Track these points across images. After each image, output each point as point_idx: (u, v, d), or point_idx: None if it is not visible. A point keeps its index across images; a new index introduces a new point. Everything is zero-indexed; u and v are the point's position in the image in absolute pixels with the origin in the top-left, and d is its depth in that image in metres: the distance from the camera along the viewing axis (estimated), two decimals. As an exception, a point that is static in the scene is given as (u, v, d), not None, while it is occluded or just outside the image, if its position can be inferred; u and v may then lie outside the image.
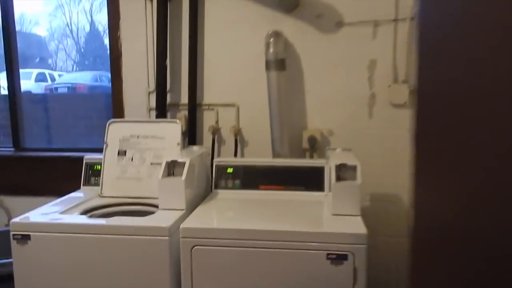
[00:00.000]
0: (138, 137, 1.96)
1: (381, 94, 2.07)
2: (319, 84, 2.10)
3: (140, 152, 1.94)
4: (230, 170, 1.90)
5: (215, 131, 2.15)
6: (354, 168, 1.61)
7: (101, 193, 1.92)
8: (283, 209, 1.69)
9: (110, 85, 2.28)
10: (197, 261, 1.44)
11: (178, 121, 1.95)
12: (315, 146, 2.08)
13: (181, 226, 1.45)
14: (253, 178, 1.88)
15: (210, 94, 2.17)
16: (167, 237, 1.46)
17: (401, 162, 2.07)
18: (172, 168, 1.72)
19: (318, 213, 1.64)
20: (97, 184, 1.96)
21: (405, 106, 2.05)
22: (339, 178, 1.59)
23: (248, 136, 2.17)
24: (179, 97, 2.19)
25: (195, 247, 1.44)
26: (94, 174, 2.01)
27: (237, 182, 1.88)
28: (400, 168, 2.07)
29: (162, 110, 2.11)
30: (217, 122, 2.17)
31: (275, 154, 2.03)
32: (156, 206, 1.78)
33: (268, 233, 1.43)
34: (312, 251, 1.41)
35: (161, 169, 1.66)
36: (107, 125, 1.98)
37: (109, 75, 2.28)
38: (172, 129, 1.94)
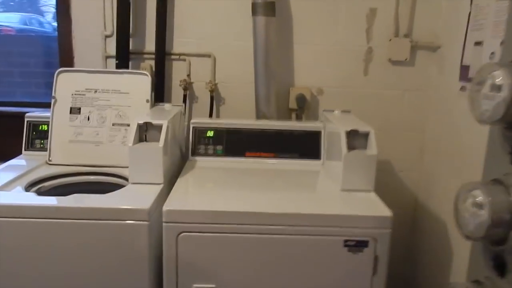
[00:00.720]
0: (95, 91, 1.59)
1: (379, 49, 1.82)
2: (311, 34, 1.81)
3: (98, 110, 1.58)
4: (210, 133, 1.60)
5: (187, 86, 1.81)
6: (365, 135, 1.37)
7: (49, 160, 1.55)
8: (279, 181, 1.43)
9: (42, 30, 1.85)
10: (184, 250, 1.16)
11: (147, 73, 1.60)
12: (304, 107, 1.81)
13: (164, 208, 1.15)
14: (238, 143, 1.59)
15: (181, 41, 1.82)
16: (146, 222, 1.15)
17: (397, 127, 1.86)
18: (143, 132, 1.39)
19: (324, 187, 1.40)
20: (43, 149, 1.59)
21: (405, 63, 1.82)
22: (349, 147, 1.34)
23: (226, 93, 1.85)
24: (143, 44, 1.82)
25: (182, 234, 1.15)
26: (39, 136, 1.63)
27: (219, 147, 1.59)
28: (396, 134, 1.86)
29: (124, 59, 1.73)
30: (189, 75, 1.83)
31: (260, 115, 1.75)
32: (121, 177, 1.46)
33: (273, 216, 1.16)
34: (326, 237, 1.17)
35: (132, 133, 1.33)
36: (55, 75, 1.59)
37: (40, 18, 1.85)
38: (139, 83, 1.59)
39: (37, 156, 1.58)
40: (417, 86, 1.83)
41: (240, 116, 1.79)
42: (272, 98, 1.74)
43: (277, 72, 1.76)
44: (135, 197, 1.22)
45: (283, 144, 1.59)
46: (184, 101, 1.83)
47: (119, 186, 1.46)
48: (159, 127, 1.37)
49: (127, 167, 1.36)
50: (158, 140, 1.36)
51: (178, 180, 1.38)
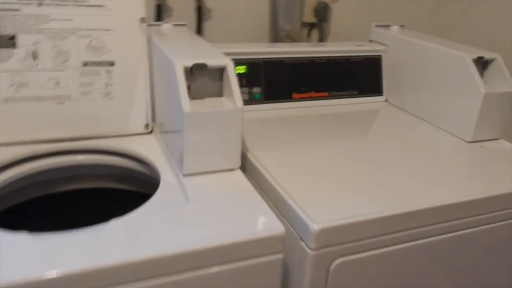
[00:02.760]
0: (40, 3, 0.87)
1: None
2: None
3: (53, 39, 0.87)
4: (241, 69, 1.04)
5: (163, -9, 1.16)
6: (489, 62, 1.00)
7: (-30, 138, 0.83)
8: (373, 137, 0.99)
9: None
10: (337, 282, 0.69)
11: (141, -31, 0.92)
12: (324, 20, 1.33)
13: (313, 226, 0.64)
14: (281, 81, 1.08)
15: None
16: (279, 255, 0.64)
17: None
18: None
19: (442, 141, 1.00)
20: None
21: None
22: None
23: (214, 4, 1.25)
24: None
25: (338, 261, 0.67)
26: None
27: (257, 90, 1.05)
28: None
29: None
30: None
31: (279, 35, 1.22)
32: (119, 155, 0.87)
33: (440, 210, 0.75)
34: (497, 224, 0.82)
35: (180, 85, 0.72)
36: (-48, -28, 0.81)
37: None
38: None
39: None
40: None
41: (235, 36, 1.24)
42: (297, 8, 1.22)
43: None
44: (232, 210, 0.67)
45: (338, 78, 1.13)
46: (159, 16, 1.18)
47: (136, 182, 0.87)
48: (216, 72, 0.78)
49: (122, 135, 0.87)
50: (208, 93, 0.78)
51: (251, 159, 0.84)
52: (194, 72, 0.76)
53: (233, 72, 0.76)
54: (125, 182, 0.95)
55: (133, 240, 0.58)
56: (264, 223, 0.63)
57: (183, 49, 0.81)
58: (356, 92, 1.14)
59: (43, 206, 0.91)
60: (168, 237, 0.59)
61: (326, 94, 1.11)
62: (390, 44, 1.15)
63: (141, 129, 0.93)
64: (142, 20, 0.92)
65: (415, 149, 0.92)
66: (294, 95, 1.08)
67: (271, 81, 1.05)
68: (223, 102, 0.76)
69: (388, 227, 0.68)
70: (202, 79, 0.78)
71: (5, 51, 0.84)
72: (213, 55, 0.79)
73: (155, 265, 0.56)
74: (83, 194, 0.95)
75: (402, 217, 0.69)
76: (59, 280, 0.51)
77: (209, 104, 0.75)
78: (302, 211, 0.66)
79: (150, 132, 0.93)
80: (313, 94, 1.10)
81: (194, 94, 0.76)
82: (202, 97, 0.77)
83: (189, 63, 0.74)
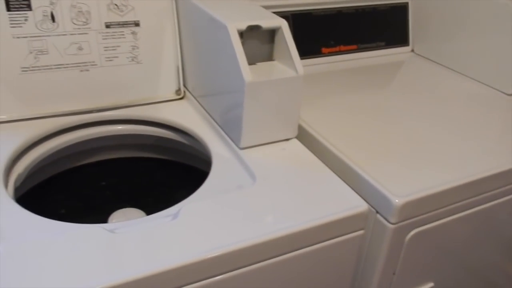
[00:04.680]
0: (53, -44, 0.76)
1: None
2: None
3: (71, -3, 0.77)
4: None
5: None
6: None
7: (-11, 115, 0.75)
8: (423, 94, 0.96)
9: None
10: (410, 252, 0.68)
11: None
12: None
13: (395, 200, 0.62)
14: (310, 35, 1.01)
15: None
16: (361, 232, 0.62)
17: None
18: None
19: (482, 95, 0.97)
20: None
21: None
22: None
23: None
24: None
25: (413, 232, 0.66)
26: None
27: (286, 46, 0.98)
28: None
29: None
30: None
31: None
32: (149, 123, 0.81)
33: (504, 175, 0.74)
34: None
35: (237, 52, 0.66)
36: None
37: None
38: None
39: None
40: None
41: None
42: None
43: None
44: (306, 187, 0.64)
45: (365, 29, 1.07)
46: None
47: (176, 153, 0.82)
48: (267, 33, 0.72)
49: (152, 102, 0.81)
50: (258, 57, 0.72)
51: (304, 126, 0.79)
52: (244, 34, 0.69)
53: (289, 34, 0.69)
54: (154, 151, 0.90)
55: (218, 229, 0.53)
56: (345, 201, 0.60)
57: (229, 9, 0.73)
58: (383, 43, 1.09)
59: (71, 180, 0.85)
60: (253, 223, 0.55)
61: (355, 47, 1.06)
62: (417, -9, 1.09)
63: (172, 94, 0.87)
64: (169, -29, 0.82)
65: (456, 104, 0.89)
66: (324, 50, 1.02)
67: (300, 35, 0.98)
68: (281, 68, 0.70)
69: (461, 195, 0.67)
70: (253, 42, 0.71)
71: (20, 14, 0.74)
72: (265, 16, 0.71)
73: (239, 256, 0.53)
74: (108, 164, 0.90)
75: (473, 184, 0.67)
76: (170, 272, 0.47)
77: (265, 70, 0.69)
78: (379, 184, 0.63)
79: (182, 98, 0.87)
80: (342, 47, 1.04)
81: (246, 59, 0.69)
82: (253, 62, 0.71)
83: (243, 26, 0.67)
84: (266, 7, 0.82)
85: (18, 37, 0.74)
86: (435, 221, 0.66)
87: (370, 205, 0.63)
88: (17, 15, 0.74)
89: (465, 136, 0.78)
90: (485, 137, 0.78)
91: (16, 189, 0.67)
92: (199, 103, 0.82)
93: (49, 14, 0.76)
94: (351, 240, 0.60)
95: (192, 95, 0.85)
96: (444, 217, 0.67)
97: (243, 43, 0.67)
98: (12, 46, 0.74)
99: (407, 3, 1.10)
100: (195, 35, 0.79)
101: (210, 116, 0.78)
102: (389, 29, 1.09)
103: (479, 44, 0.97)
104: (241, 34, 0.68)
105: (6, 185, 0.62)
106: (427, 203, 0.63)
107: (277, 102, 0.68)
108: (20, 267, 0.46)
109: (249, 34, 0.69)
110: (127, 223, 0.55)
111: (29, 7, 0.74)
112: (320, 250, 0.58)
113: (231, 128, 0.71)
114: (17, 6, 0.73)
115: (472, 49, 0.99)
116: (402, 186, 0.63)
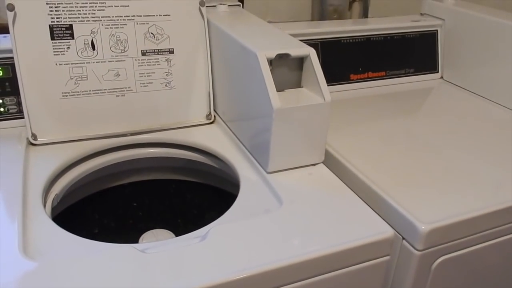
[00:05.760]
0: (95, -10, 0.81)
1: None
2: None
3: (109, 27, 0.82)
4: (299, 51, 0.99)
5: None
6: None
7: (32, 137, 0.79)
8: (457, 121, 0.96)
9: None
10: (437, 279, 0.67)
11: None
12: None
13: (422, 227, 0.62)
14: (337, 62, 1.03)
15: None
16: (387, 258, 0.62)
17: None
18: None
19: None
20: (9, 116, 0.80)
21: None
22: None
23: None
24: None
25: (441, 259, 0.65)
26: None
27: (315, 72, 1.00)
28: None
29: None
30: None
31: (325, 11, 1.16)
32: (184, 147, 0.83)
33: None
34: None
35: (266, 79, 0.68)
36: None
37: None
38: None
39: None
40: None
41: (278, 14, 1.18)
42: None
43: None
44: (332, 212, 0.64)
45: (393, 56, 1.08)
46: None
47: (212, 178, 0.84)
48: (296, 61, 0.74)
49: (183, 127, 0.84)
50: (287, 84, 0.74)
51: (330, 150, 0.80)
52: (273, 62, 0.72)
53: (317, 61, 0.71)
54: (185, 173, 0.92)
55: (245, 251, 0.55)
56: (371, 226, 0.61)
57: (259, 37, 0.75)
58: (412, 70, 1.10)
59: (105, 201, 0.88)
60: (279, 246, 0.56)
61: (383, 73, 1.07)
62: (447, 18, 1.10)
63: (203, 119, 0.89)
64: (202, 3, 0.86)
65: (487, 131, 0.89)
66: (352, 76, 1.04)
67: (329, 62, 1.00)
68: (308, 95, 0.71)
69: (490, 223, 0.66)
70: (281, 70, 0.73)
71: (63, 43, 0.78)
72: (294, 44, 0.74)
73: (265, 278, 0.54)
74: (139, 186, 0.93)
75: (503, 212, 0.67)
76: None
77: (293, 97, 0.71)
78: (405, 210, 0.63)
79: (212, 122, 0.89)
80: (370, 74, 1.05)
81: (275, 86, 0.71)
82: (282, 89, 0.73)
83: (272, 54, 0.69)
84: (296, 35, 0.85)
85: (60, 64, 0.79)
86: (463, 248, 0.65)
87: (397, 231, 0.64)
88: (61, 43, 0.78)
89: (496, 163, 0.77)
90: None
91: (53, 208, 0.71)
92: (228, 127, 0.85)
93: (89, 42, 0.80)
94: (376, 266, 0.60)
95: (222, 120, 0.87)
96: (473, 245, 0.66)
97: (272, 70, 0.69)
98: (55, 72, 0.78)
99: (436, 30, 1.11)
100: (226, 62, 0.82)
101: (239, 140, 0.80)
102: (418, 56, 1.10)
103: (509, 71, 0.97)
104: (270, 61, 0.70)
105: (44, 204, 0.66)
106: (455, 230, 0.63)
107: (305, 128, 0.69)
108: (55, 282, 0.49)
109: (278, 62, 0.72)
110: (157, 243, 0.57)
111: (71, 36, 0.79)
112: (345, 275, 0.59)
113: (259, 152, 0.72)
114: (60, 35, 0.78)
115: (502, 76, 0.99)
116: (429, 213, 0.63)
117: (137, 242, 0.71)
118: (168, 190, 0.92)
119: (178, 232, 0.61)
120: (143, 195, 0.91)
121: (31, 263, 0.52)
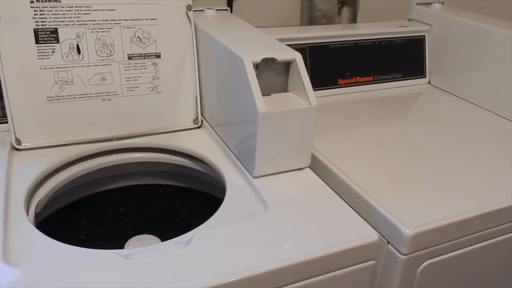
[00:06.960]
0: (81, -7, 0.80)
1: None
2: None
3: (95, 31, 0.81)
4: (287, 55, 0.99)
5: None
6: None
7: (16, 141, 0.78)
8: (449, 126, 0.96)
9: None
10: (422, 284, 0.67)
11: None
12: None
13: (406, 231, 0.62)
14: (326, 66, 1.03)
15: None
16: (372, 262, 0.62)
17: None
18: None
19: (499, 127, 0.98)
20: (-9, 121, 0.80)
21: None
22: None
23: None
24: None
25: (425, 263, 0.65)
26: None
27: (303, 77, 1.00)
28: None
29: None
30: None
31: (314, 16, 1.17)
32: (170, 152, 0.83)
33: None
34: None
35: (252, 83, 0.68)
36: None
37: None
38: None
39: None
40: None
41: (267, 18, 1.19)
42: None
43: None
44: (317, 216, 0.64)
45: (381, 61, 1.09)
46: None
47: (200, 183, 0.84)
48: (282, 65, 0.74)
49: (170, 131, 0.84)
50: (273, 88, 0.74)
51: (316, 155, 0.80)
52: (260, 66, 0.71)
53: (303, 66, 0.71)
54: (172, 178, 0.92)
55: (230, 256, 0.54)
56: (356, 230, 0.60)
57: (245, 42, 0.75)
58: (400, 75, 1.10)
59: (91, 206, 0.88)
60: (264, 251, 0.56)
61: (371, 78, 1.07)
62: (434, 24, 1.10)
63: (190, 123, 0.89)
64: (189, 7, 0.86)
65: (473, 136, 0.89)
66: (340, 81, 1.04)
67: (317, 67, 1.00)
68: (294, 99, 0.71)
69: (475, 227, 0.66)
70: (268, 74, 0.73)
71: (48, 46, 0.78)
72: (280, 48, 0.74)
73: (250, 283, 0.53)
74: (127, 191, 0.92)
75: (487, 216, 0.67)
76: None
77: (279, 101, 0.71)
78: (389, 214, 0.63)
79: (199, 127, 0.89)
80: (358, 79, 1.06)
81: (261, 90, 0.71)
82: (268, 93, 0.73)
83: (258, 58, 0.69)
84: (285, 40, 0.85)
85: (45, 68, 0.78)
86: (449, 252, 0.66)
87: (382, 235, 0.64)
88: (45, 47, 0.78)
89: (481, 167, 0.78)
90: (502, 168, 0.78)
91: (37, 214, 0.70)
92: (215, 132, 0.84)
93: (75, 46, 0.80)
94: (362, 270, 0.60)
95: (209, 124, 0.87)
96: (458, 249, 0.66)
97: (258, 75, 0.69)
98: (39, 76, 0.78)
99: (424, 36, 1.12)
100: (213, 66, 0.81)
101: (226, 145, 0.80)
102: (406, 61, 1.11)
103: (496, 77, 0.97)
104: (256, 66, 0.70)
105: (27, 211, 0.65)
106: (440, 234, 0.63)
107: (291, 133, 0.69)
108: (37, 289, 0.48)
109: (264, 66, 0.71)
110: (142, 249, 0.57)
111: (56, 39, 0.78)
112: (330, 279, 0.59)
113: (245, 157, 0.72)
114: (45, 39, 0.78)
115: (489, 81, 0.99)
116: (414, 217, 0.63)
117: (123, 248, 0.70)
118: (155, 195, 0.91)
119: (166, 238, 0.61)
120: (130, 200, 0.91)
121: (13, 270, 0.51)
